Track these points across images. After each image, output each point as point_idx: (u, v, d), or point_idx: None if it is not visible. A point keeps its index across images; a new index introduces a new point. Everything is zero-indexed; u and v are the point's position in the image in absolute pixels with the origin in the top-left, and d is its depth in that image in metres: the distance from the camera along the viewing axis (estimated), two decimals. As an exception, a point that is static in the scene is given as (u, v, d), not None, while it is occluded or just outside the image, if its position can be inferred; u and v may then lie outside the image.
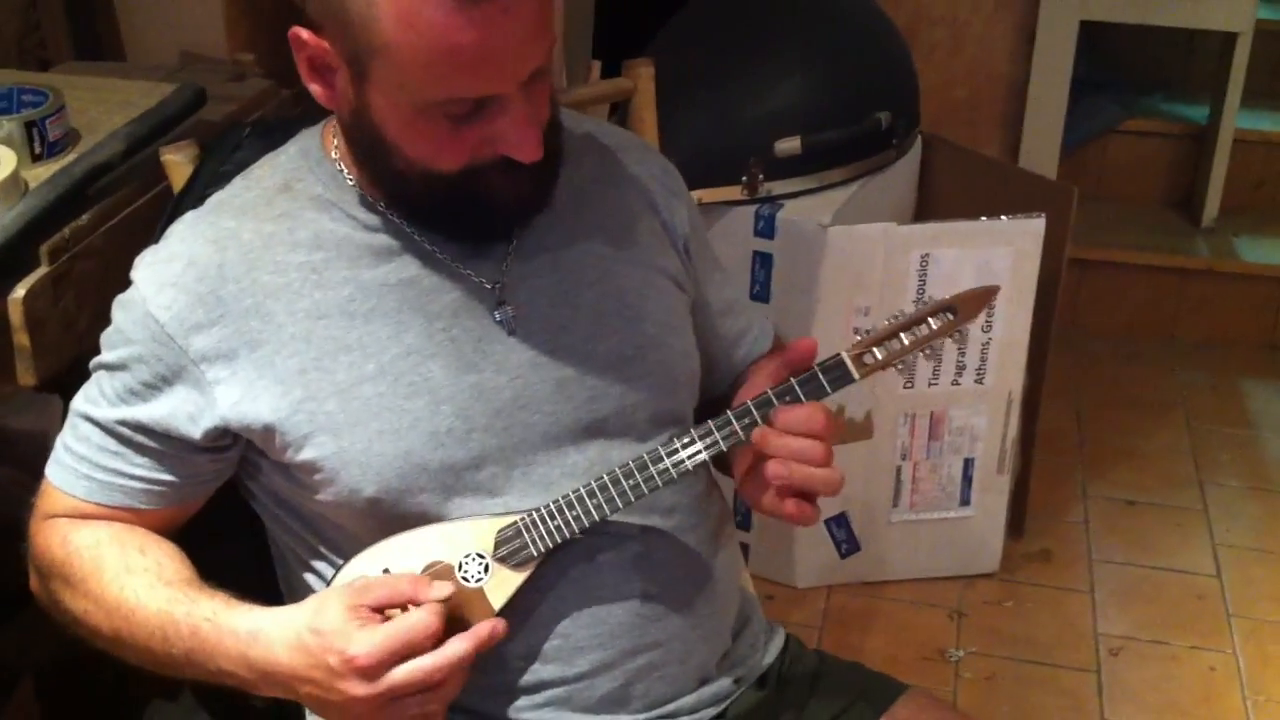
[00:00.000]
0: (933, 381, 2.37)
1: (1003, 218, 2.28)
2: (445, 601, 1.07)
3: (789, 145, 2.26)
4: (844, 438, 2.38)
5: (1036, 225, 2.28)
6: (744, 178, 2.27)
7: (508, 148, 1.09)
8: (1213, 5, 3.20)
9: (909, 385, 2.36)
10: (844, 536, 2.49)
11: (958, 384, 2.38)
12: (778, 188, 2.29)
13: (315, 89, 1.12)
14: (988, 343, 2.35)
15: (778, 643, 1.39)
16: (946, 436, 2.43)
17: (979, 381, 2.38)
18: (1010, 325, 2.35)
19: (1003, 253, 2.29)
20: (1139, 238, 3.44)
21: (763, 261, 2.31)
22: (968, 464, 2.46)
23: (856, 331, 1.20)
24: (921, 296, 2.28)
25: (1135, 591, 2.56)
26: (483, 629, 1.07)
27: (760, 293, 2.33)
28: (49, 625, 1.23)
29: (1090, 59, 3.62)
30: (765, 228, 2.29)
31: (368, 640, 1.04)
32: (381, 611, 1.07)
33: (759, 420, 1.14)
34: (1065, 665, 2.37)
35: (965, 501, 2.50)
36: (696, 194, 2.25)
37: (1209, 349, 3.37)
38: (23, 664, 1.82)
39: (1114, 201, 3.58)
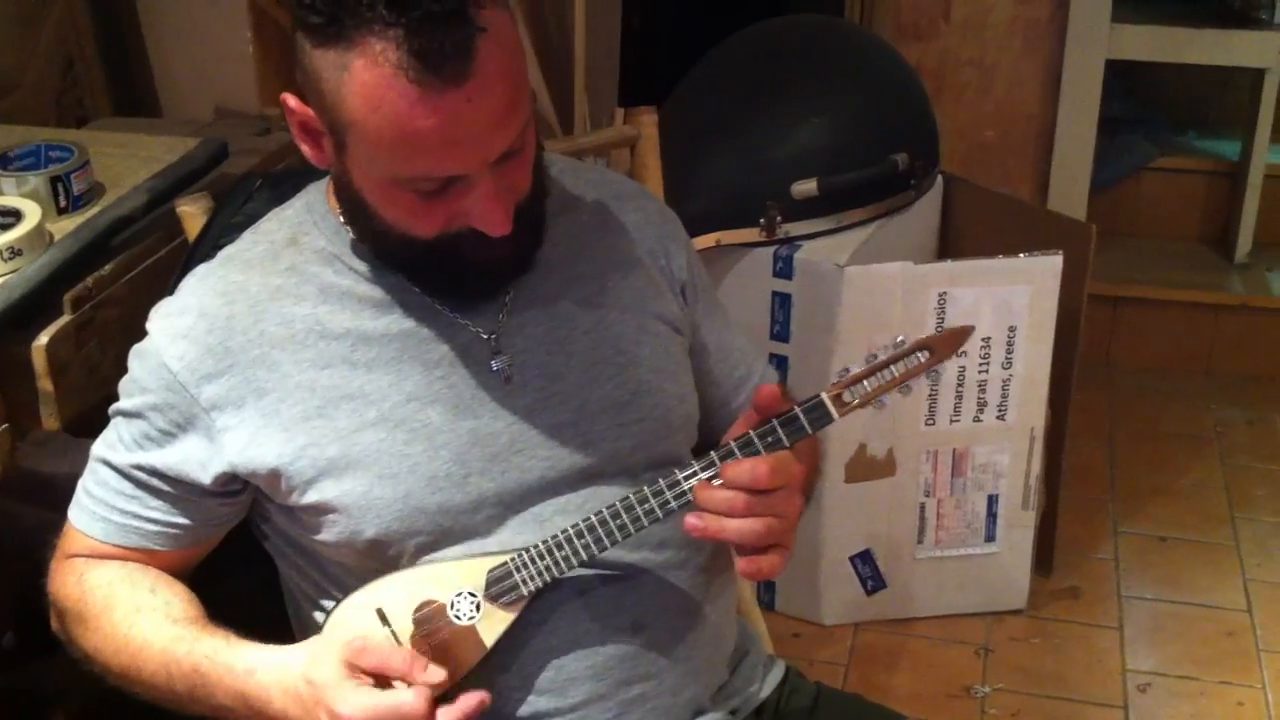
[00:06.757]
0: (955, 418, 2.39)
1: (1020, 256, 2.29)
2: (436, 688, 1.10)
3: (806, 187, 2.30)
4: (866, 475, 2.40)
5: (1054, 263, 2.30)
6: (762, 220, 2.30)
7: (476, 223, 1.12)
8: (1240, 42, 3.21)
9: (930, 422, 2.38)
10: (869, 573, 2.51)
11: (980, 420, 2.39)
12: (796, 229, 2.32)
13: (305, 150, 1.17)
14: (1008, 379, 2.37)
15: (776, 674, 1.41)
16: (970, 473, 2.44)
17: (1001, 418, 2.40)
18: (1030, 362, 2.36)
19: (1020, 290, 2.31)
20: (1173, 274, 3.44)
21: (782, 302, 2.34)
22: (992, 500, 2.47)
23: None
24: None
25: (1165, 628, 2.55)
26: (470, 702, 1.11)
27: (780, 332, 2.36)
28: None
29: (1127, 97, 3.63)
30: (784, 269, 2.32)
31: (357, 703, 1.08)
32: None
33: (738, 456, 1.16)
34: (1093, 701, 2.37)
35: (991, 538, 2.51)
36: (715, 236, 2.30)
37: (1244, 384, 3.36)
38: (62, 699, 1.87)
39: (1148, 238, 3.60)
